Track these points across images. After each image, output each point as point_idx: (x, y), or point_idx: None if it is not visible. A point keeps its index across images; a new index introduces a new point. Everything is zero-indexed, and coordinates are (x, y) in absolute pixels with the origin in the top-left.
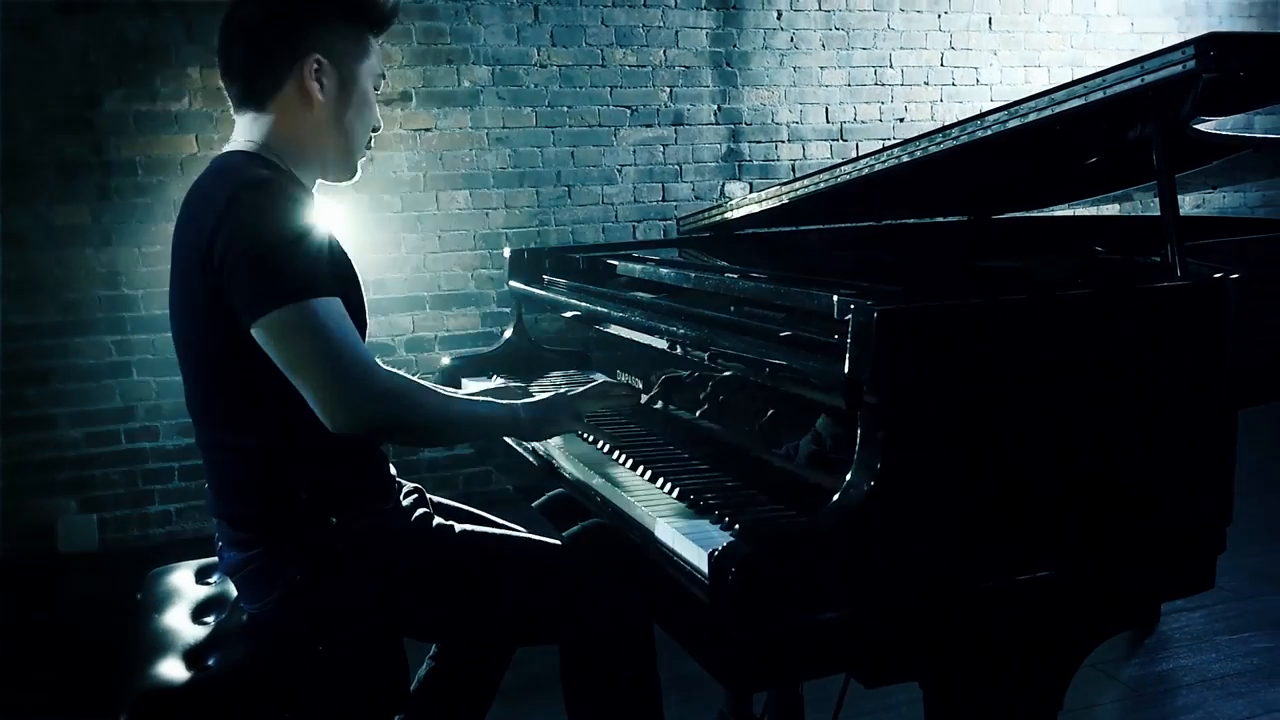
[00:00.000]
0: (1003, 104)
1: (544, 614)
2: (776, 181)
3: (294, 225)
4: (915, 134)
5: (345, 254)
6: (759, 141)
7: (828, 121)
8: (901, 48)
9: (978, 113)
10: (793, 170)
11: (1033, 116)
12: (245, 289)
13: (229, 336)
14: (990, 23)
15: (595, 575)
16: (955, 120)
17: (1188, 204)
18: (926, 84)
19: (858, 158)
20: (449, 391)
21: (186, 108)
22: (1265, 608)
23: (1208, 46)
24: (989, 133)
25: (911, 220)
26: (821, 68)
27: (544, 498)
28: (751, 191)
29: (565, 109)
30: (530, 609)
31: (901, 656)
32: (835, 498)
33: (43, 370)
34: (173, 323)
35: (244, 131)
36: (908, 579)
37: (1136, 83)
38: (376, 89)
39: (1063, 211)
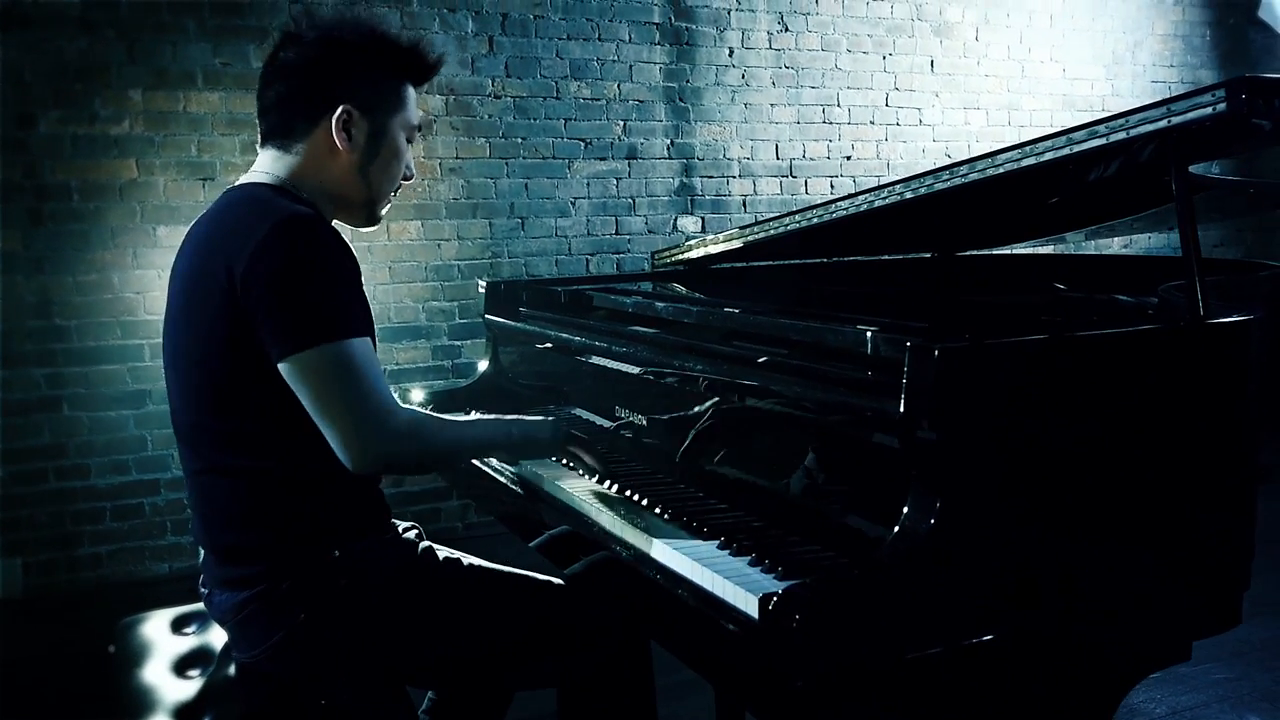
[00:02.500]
0: (1015, 143)
1: (551, 655)
2: (728, 216)
3: (333, 263)
4: (915, 172)
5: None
6: (711, 176)
7: (778, 158)
8: (848, 87)
9: (987, 151)
10: (744, 205)
11: (1049, 155)
12: (280, 324)
13: (246, 363)
14: (932, 65)
15: (601, 616)
16: (899, 159)
17: (1115, 244)
18: (872, 123)
19: (855, 194)
20: (456, 418)
21: (127, 131)
22: (1223, 639)
23: (1240, 89)
24: (1000, 170)
25: (883, 257)
26: (772, 105)
27: (544, 537)
28: (704, 227)
29: (519, 140)
30: (538, 650)
31: (953, 698)
32: (893, 536)
33: None
34: (170, 351)
35: (267, 165)
36: (967, 618)
37: (1163, 123)
38: (410, 140)
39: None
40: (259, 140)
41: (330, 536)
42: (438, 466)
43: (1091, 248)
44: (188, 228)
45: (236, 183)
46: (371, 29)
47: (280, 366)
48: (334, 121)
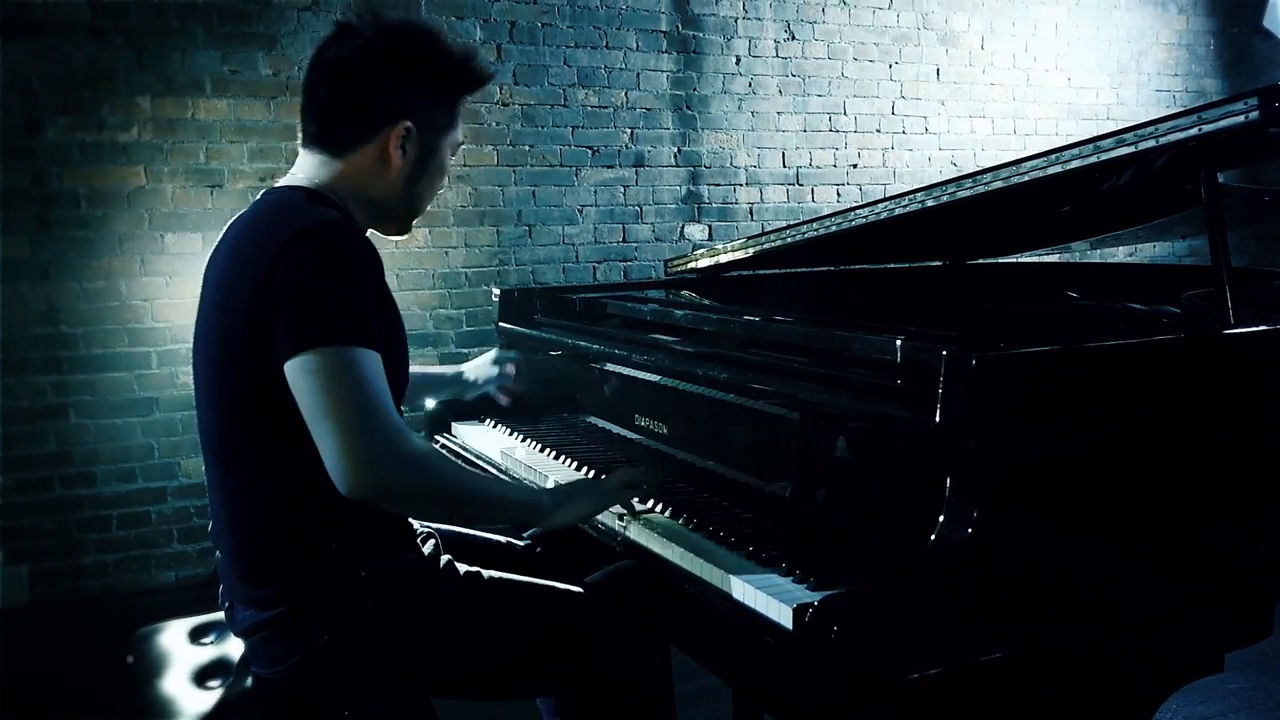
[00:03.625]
0: (1040, 151)
1: (572, 666)
2: (734, 224)
3: (355, 271)
4: (936, 180)
5: (398, 312)
6: (718, 184)
7: (784, 166)
8: (855, 95)
9: (1014, 159)
10: (750, 213)
11: (1075, 164)
12: (290, 323)
13: (271, 373)
14: (938, 74)
15: (622, 626)
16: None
17: (1120, 253)
18: (878, 131)
19: (876, 201)
20: (467, 466)
21: (135, 138)
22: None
23: (1273, 97)
24: (1025, 179)
25: (894, 265)
26: (778, 113)
27: (536, 528)
28: (711, 235)
29: (527, 148)
30: (561, 661)
31: (987, 709)
32: (929, 545)
33: None
34: (199, 359)
35: (307, 169)
36: (1003, 628)
37: (1193, 131)
38: (453, 154)
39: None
40: (301, 139)
41: (356, 557)
42: (441, 509)
43: (1096, 256)
44: (197, 235)
45: (275, 184)
46: (434, 40)
47: (285, 369)
48: (393, 137)
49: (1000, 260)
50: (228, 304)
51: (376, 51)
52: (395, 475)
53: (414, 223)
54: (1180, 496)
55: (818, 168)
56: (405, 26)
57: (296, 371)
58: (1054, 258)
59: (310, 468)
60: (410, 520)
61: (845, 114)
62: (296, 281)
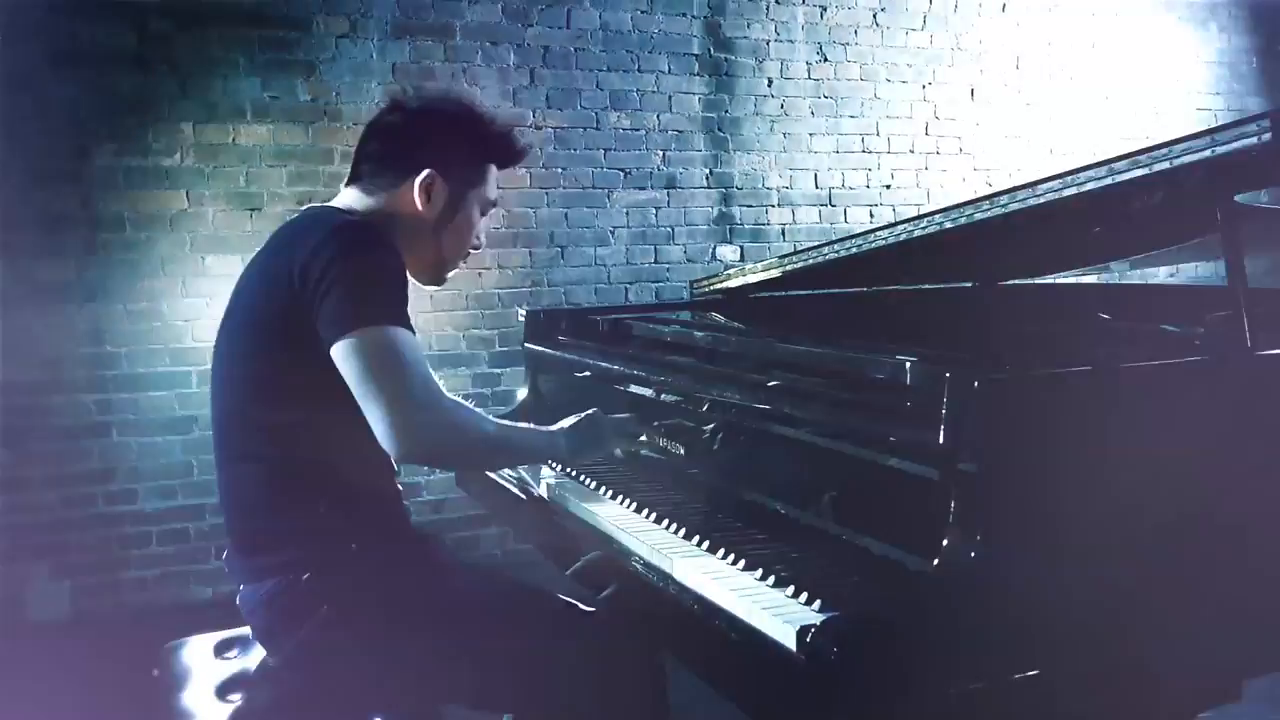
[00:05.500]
0: (1055, 173)
1: (567, 678)
2: (766, 245)
3: (390, 264)
4: (962, 199)
5: None
6: (750, 206)
7: (816, 187)
8: (887, 116)
9: (1028, 180)
10: (783, 235)
11: (1090, 185)
12: (337, 308)
13: (294, 354)
14: (972, 94)
15: (621, 640)
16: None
17: (1161, 273)
18: (912, 152)
19: (894, 223)
20: (496, 419)
21: (178, 163)
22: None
23: None
24: (1040, 200)
25: (923, 286)
26: (810, 134)
27: (580, 563)
28: (743, 256)
29: (560, 170)
30: (554, 674)
31: None
32: (932, 569)
33: (18, 430)
34: (223, 340)
35: (347, 200)
36: (1007, 653)
37: (1206, 153)
38: (484, 214)
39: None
40: (345, 182)
41: (350, 533)
42: (480, 460)
43: (1136, 277)
44: (236, 257)
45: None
46: (469, 108)
47: (333, 351)
48: (417, 182)
49: (1030, 281)
50: (262, 296)
51: (416, 114)
52: (440, 436)
53: (447, 276)
54: (1195, 520)
55: (850, 189)
56: (445, 96)
57: (344, 352)
58: (1093, 278)
59: (310, 445)
60: (405, 503)
61: (878, 135)
62: (336, 273)
